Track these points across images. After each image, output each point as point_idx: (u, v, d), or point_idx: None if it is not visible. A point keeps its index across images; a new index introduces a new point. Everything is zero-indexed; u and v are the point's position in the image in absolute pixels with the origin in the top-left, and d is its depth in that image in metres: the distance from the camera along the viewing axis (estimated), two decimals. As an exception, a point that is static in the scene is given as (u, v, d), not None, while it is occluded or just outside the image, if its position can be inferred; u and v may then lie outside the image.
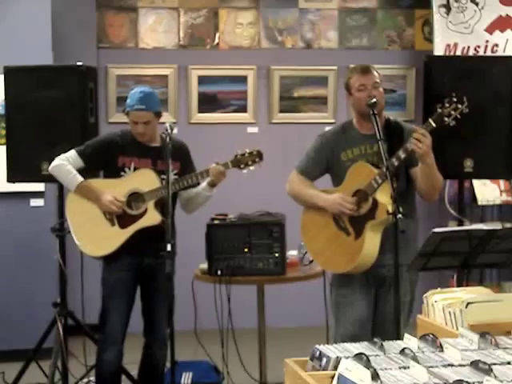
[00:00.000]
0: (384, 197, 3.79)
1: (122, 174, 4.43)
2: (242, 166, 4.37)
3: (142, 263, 4.43)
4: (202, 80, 6.90)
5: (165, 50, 6.93)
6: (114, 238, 4.37)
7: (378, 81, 4.02)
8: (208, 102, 6.94)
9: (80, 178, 4.41)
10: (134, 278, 4.45)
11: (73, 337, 4.86)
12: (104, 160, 4.46)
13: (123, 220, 4.38)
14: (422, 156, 3.79)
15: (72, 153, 4.44)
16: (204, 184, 4.43)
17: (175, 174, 4.44)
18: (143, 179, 4.41)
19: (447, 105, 3.77)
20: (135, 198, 4.39)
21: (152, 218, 4.36)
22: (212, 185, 4.40)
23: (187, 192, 4.48)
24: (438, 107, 3.80)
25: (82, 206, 4.43)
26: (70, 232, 4.50)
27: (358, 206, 3.93)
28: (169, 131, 4.15)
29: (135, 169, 4.43)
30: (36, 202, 5.04)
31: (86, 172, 4.45)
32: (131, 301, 4.49)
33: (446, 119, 3.77)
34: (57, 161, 4.45)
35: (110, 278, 4.42)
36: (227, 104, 6.97)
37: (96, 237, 4.40)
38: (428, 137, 3.75)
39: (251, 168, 4.40)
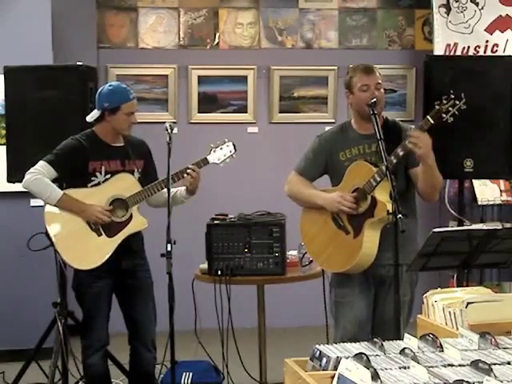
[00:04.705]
0: (383, 195, 3.79)
1: (93, 179, 4.28)
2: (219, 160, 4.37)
3: (121, 267, 4.32)
4: (202, 80, 6.90)
5: (165, 50, 6.93)
6: (103, 248, 4.24)
7: (380, 82, 4.02)
8: (208, 102, 6.94)
9: (60, 191, 4.25)
10: (113, 282, 4.36)
11: (73, 337, 4.85)
12: (75, 167, 4.28)
13: (109, 228, 4.25)
14: (422, 157, 3.78)
15: (43, 164, 4.24)
16: (183, 191, 4.35)
17: (139, 173, 4.38)
18: (123, 184, 4.30)
19: (445, 102, 3.76)
20: (118, 204, 4.28)
21: (139, 223, 4.30)
22: (190, 192, 4.34)
23: (160, 192, 4.36)
24: (435, 104, 3.80)
25: (63, 219, 4.26)
26: (53, 246, 4.34)
27: (356, 205, 3.93)
28: (169, 131, 4.12)
29: (106, 172, 4.29)
30: (36, 202, 5.01)
31: (55, 182, 4.29)
32: (111, 304, 4.42)
33: (444, 116, 3.76)
34: (32, 175, 4.23)
35: (92, 288, 4.29)
36: (227, 104, 6.97)
37: (84, 250, 4.24)
38: (424, 137, 3.74)
39: (227, 161, 4.39)
